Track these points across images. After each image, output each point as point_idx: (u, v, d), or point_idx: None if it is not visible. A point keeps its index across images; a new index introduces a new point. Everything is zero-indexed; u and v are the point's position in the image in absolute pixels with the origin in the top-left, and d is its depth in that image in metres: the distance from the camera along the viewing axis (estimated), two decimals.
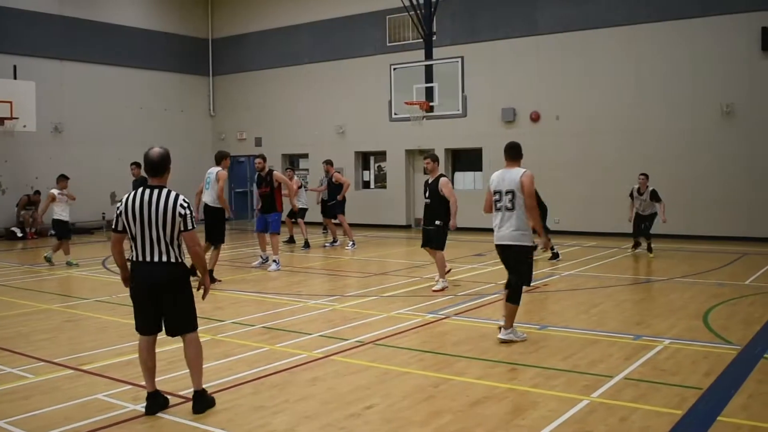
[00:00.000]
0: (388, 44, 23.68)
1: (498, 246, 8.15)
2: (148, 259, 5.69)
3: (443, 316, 9.44)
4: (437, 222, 11.47)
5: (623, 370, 6.79)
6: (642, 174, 15.55)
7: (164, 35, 26.80)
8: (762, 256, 14.92)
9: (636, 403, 5.85)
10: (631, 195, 15.63)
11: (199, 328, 5.94)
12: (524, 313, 9.81)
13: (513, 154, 8.08)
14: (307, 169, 25.44)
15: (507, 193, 7.91)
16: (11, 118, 20.15)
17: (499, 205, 7.99)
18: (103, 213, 24.22)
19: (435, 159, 11.71)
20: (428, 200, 11.64)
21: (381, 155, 24.63)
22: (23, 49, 22.47)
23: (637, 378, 6.55)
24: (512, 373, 6.77)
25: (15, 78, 21.39)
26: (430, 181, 11.67)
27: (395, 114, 16.83)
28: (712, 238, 17.75)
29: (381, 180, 24.87)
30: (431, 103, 16.17)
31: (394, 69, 16.95)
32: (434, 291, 11.36)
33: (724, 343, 7.78)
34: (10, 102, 20.12)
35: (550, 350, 7.64)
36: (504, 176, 8.00)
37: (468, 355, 7.44)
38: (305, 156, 25.73)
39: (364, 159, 25.14)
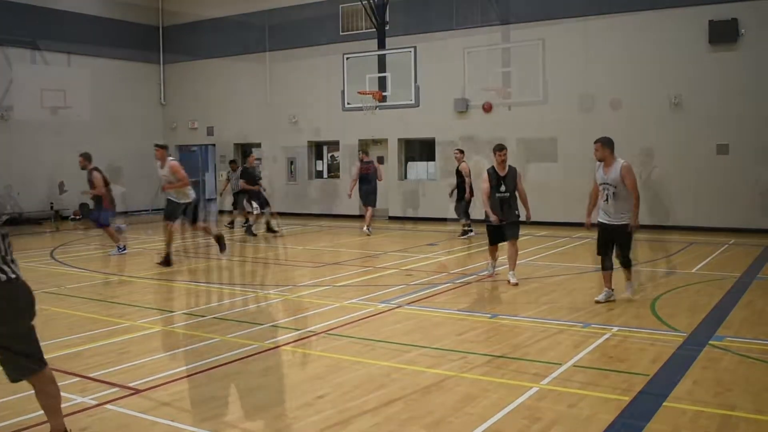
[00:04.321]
0: (341, 34, 23.58)
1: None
2: None
3: (395, 306, 9.47)
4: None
5: (572, 357, 6.89)
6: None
7: (114, 22, 26.27)
8: (709, 246, 15.23)
9: (584, 389, 5.94)
10: None
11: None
12: (475, 302, 9.92)
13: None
14: (260, 159, 25.24)
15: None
16: None
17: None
18: (51, 203, 23.75)
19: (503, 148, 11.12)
20: None
21: (334, 145, 24.56)
22: None
23: (585, 365, 6.65)
24: (463, 362, 6.82)
25: None
26: None
27: (348, 104, 16.79)
28: (660, 228, 18.04)
29: (334, 170, 24.83)
30: (384, 93, 16.16)
31: (347, 58, 16.91)
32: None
33: (671, 331, 7.94)
34: None
35: (500, 339, 7.73)
36: None
37: (419, 344, 7.48)
38: (258, 145, 25.53)
39: (317, 149, 25.05)
